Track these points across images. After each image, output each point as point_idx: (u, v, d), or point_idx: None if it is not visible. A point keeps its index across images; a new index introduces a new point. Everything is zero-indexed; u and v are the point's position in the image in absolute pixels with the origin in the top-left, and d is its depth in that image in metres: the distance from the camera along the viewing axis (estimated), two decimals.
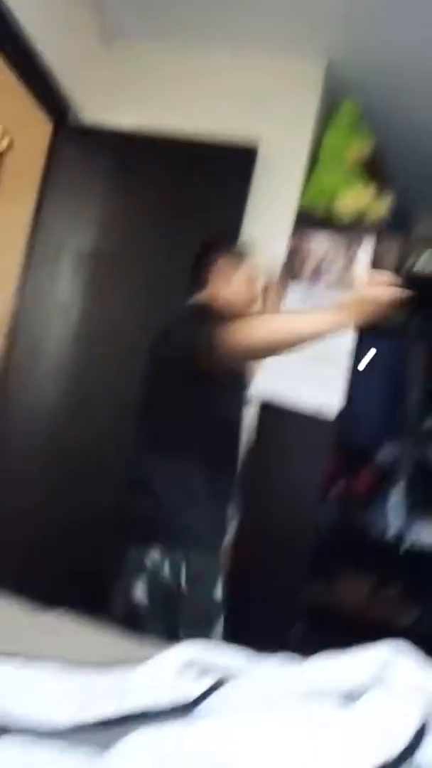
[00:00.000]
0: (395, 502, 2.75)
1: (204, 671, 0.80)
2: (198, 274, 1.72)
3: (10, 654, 0.84)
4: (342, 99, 2.42)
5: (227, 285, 1.68)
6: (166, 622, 1.42)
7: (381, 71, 2.36)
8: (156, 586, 1.43)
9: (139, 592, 1.44)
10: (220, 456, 1.58)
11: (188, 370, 1.48)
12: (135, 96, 2.51)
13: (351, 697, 0.84)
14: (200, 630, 1.40)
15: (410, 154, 2.67)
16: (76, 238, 2.41)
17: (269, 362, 2.23)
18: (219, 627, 1.47)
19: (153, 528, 1.47)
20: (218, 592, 1.48)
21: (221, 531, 1.56)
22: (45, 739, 0.66)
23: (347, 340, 2.25)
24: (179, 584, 1.42)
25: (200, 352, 1.45)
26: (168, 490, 1.47)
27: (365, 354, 2.59)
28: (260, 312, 1.78)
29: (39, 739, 0.65)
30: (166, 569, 1.43)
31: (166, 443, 1.54)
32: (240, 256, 1.74)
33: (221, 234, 1.83)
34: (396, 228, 2.53)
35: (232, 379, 1.64)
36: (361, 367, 2.59)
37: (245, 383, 1.77)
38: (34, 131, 2.53)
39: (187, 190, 2.30)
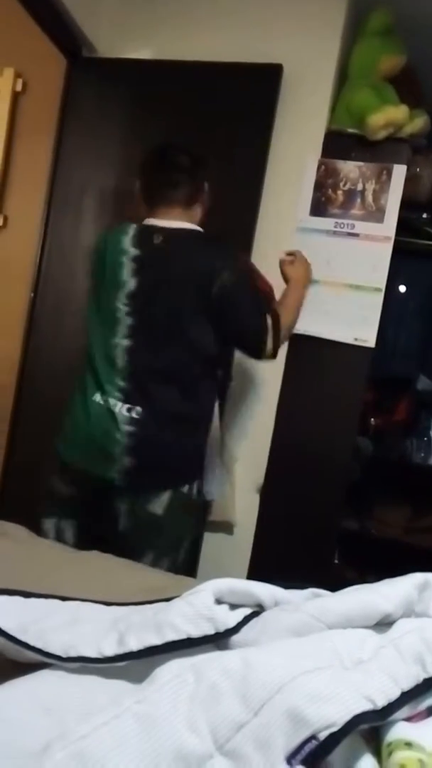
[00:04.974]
0: None
1: (237, 604, 0.83)
2: (193, 192, 1.72)
3: (50, 591, 0.88)
4: (370, 10, 2.25)
5: (202, 211, 1.76)
6: None
7: None
8: None
9: None
10: None
11: None
12: (150, 25, 2.38)
13: (383, 625, 0.86)
14: None
15: None
16: (99, 177, 2.35)
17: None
18: None
19: None
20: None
21: None
22: (87, 670, 0.69)
23: (382, 267, 2.19)
24: None
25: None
26: None
27: (399, 280, 2.52)
28: None
29: (81, 671, 0.69)
30: None
31: None
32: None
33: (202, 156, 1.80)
34: None
35: None
36: (402, 289, 2.55)
37: None
38: (49, 70, 2.44)
39: (211, 117, 2.21)
